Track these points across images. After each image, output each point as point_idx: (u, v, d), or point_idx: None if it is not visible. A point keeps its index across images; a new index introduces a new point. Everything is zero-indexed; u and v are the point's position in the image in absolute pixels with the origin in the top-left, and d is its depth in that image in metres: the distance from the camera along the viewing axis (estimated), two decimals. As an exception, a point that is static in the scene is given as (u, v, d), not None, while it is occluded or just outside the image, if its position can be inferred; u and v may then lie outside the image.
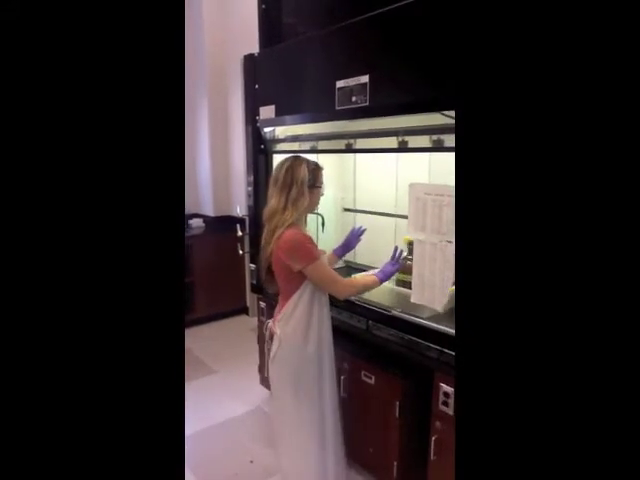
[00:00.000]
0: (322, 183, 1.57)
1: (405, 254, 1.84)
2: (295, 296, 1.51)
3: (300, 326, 1.52)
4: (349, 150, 2.04)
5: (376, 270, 1.65)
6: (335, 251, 1.84)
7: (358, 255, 2.46)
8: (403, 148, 1.68)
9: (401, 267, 1.67)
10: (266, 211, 1.53)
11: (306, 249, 1.44)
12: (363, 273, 2.04)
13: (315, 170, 1.53)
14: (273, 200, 1.50)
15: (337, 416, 1.65)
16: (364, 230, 1.86)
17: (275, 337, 1.57)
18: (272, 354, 1.58)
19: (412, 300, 1.59)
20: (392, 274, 1.60)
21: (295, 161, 1.51)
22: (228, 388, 2.72)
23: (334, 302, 1.88)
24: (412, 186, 1.53)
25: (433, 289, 1.52)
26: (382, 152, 1.93)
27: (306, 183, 1.48)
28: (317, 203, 1.59)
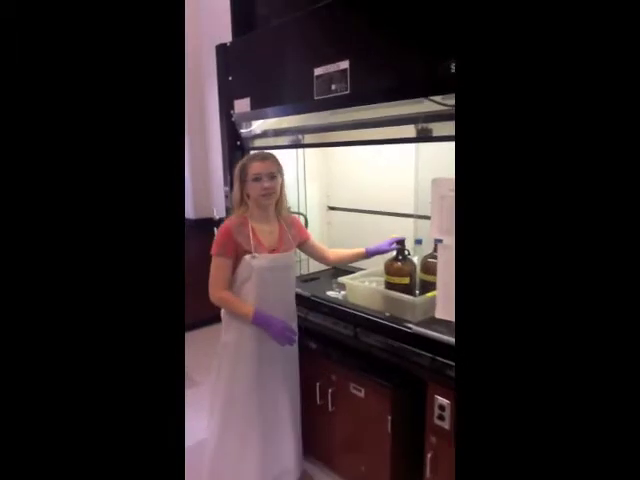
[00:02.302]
0: (255, 174, 1.52)
1: (394, 254, 1.72)
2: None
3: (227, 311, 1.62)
4: (329, 144, 1.91)
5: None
6: (368, 249, 1.76)
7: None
8: (387, 140, 1.56)
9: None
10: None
11: (216, 241, 1.54)
12: (353, 274, 1.91)
13: (245, 163, 1.55)
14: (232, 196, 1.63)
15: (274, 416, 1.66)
16: (399, 240, 1.71)
17: None
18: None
19: (437, 315, 1.39)
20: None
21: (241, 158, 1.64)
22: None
23: (318, 308, 1.77)
24: (436, 182, 1.31)
25: None
26: (365, 144, 1.79)
27: (238, 178, 1.55)
28: (258, 197, 1.54)
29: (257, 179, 1.51)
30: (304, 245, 1.74)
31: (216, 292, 1.54)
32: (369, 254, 1.74)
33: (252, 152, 1.63)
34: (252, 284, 1.53)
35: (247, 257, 1.52)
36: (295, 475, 1.74)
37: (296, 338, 1.60)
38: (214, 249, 1.53)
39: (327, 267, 2.39)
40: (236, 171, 1.56)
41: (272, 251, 1.56)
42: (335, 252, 1.81)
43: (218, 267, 1.54)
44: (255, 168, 1.51)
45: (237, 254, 1.53)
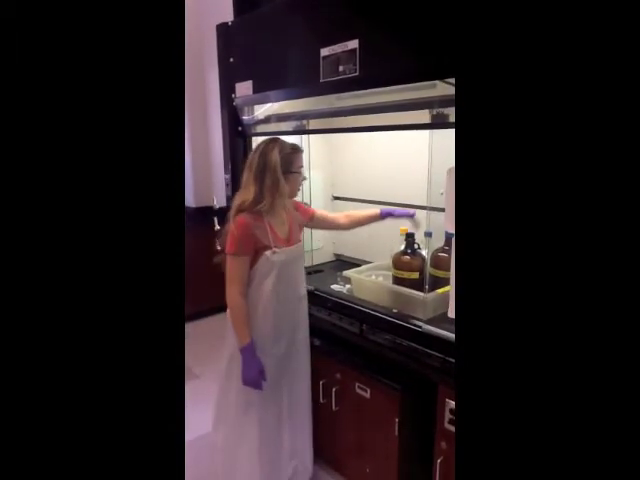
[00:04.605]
0: (300, 167, 1.45)
1: (403, 247, 1.64)
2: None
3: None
4: (336, 130, 1.81)
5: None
6: (382, 210, 1.75)
7: (352, 249, 2.25)
8: (399, 126, 1.46)
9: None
10: (238, 198, 1.42)
11: (234, 238, 1.39)
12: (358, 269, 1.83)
13: (290, 154, 1.42)
14: (250, 188, 1.40)
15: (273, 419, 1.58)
16: (409, 234, 1.66)
17: None
18: None
19: (450, 315, 1.34)
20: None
21: (268, 145, 1.41)
22: (211, 396, 2.50)
23: (322, 303, 1.69)
24: (451, 172, 1.22)
25: None
26: (374, 131, 1.70)
27: (279, 169, 1.38)
28: (296, 190, 1.47)
29: (299, 171, 1.45)
30: (313, 220, 1.67)
31: (234, 296, 1.42)
32: (383, 215, 1.72)
33: (280, 140, 1.46)
34: (271, 280, 1.44)
35: (268, 253, 1.41)
36: (309, 473, 1.71)
37: (263, 384, 1.46)
38: (231, 248, 1.39)
39: (331, 259, 2.31)
40: (272, 162, 1.37)
41: (286, 241, 1.48)
42: (348, 215, 1.75)
43: (237, 267, 1.41)
44: (300, 160, 1.45)
45: (255, 250, 1.42)
